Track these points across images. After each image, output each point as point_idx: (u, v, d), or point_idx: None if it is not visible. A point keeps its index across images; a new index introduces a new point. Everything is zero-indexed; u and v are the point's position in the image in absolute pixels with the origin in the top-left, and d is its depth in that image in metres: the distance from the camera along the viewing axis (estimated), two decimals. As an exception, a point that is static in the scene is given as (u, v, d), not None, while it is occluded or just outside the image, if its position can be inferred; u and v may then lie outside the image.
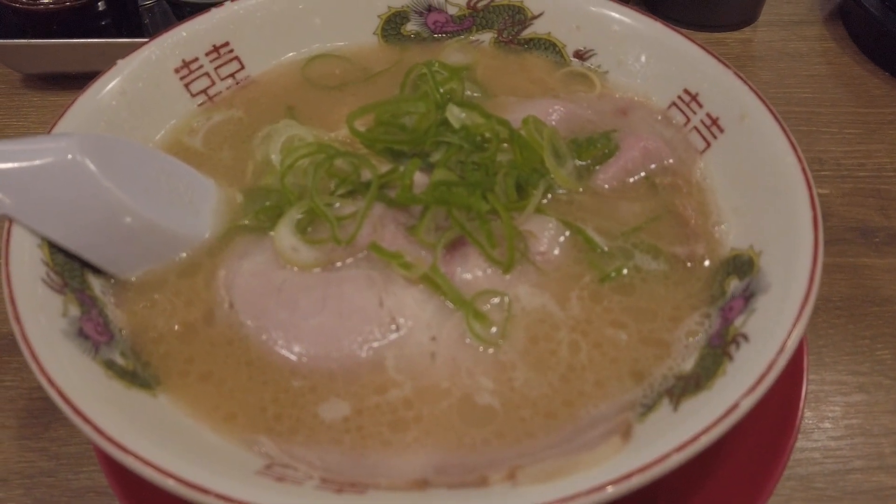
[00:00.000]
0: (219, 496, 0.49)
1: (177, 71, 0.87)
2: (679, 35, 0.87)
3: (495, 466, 0.55)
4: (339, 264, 0.71)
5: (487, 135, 0.78)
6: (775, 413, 0.71)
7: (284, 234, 0.71)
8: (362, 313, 0.67)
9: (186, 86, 0.88)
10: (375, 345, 0.65)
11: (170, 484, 0.49)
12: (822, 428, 0.85)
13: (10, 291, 0.61)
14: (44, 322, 0.60)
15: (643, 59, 0.89)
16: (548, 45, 0.96)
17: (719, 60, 0.83)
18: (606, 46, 0.93)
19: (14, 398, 0.87)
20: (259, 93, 0.91)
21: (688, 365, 0.63)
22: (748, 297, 0.65)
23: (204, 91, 0.89)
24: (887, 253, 1.03)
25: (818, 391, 0.89)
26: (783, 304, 0.60)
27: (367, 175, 0.76)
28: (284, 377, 0.64)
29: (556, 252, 0.72)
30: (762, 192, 0.73)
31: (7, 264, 0.63)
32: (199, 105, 0.88)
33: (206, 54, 0.89)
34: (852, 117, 1.24)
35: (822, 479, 0.81)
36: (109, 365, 0.61)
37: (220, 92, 0.90)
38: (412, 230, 0.72)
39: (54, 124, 0.75)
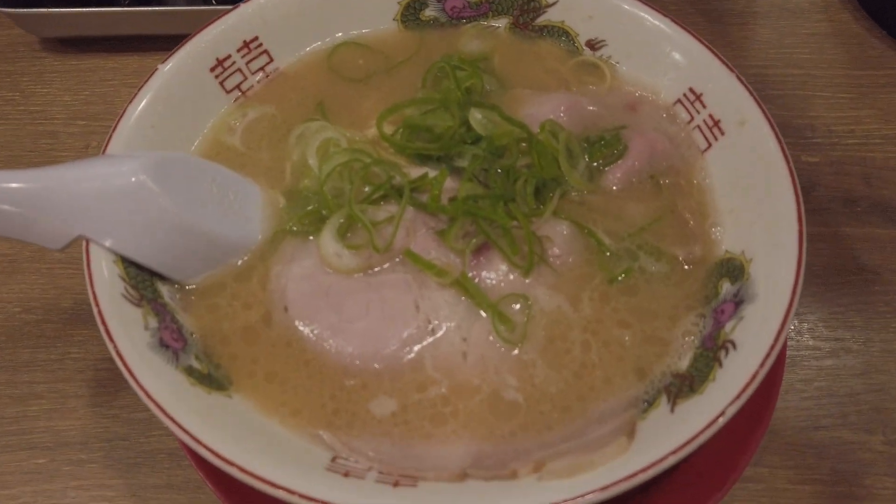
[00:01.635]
0: (303, 496, 0.61)
1: (212, 70, 0.92)
2: (687, 33, 0.92)
3: (522, 459, 0.67)
4: (377, 269, 0.80)
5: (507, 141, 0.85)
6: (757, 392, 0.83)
7: (328, 241, 0.80)
8: (402, 317, 0.77)
9: (221, 83, 0.93)
10: (415, 347, 0.75)
11: (264, 488, 0.61)
12: (795, 389, 0.98)
13: (100, 311, 0.70)
14: (132, 338, 0.69)
15: (652, 53, 0.94)
16: (561, 33, 1.00)
17: (724, 63, 0.88)
18: (617, 38, 0.97)
19: (82, 369, 0.98)
20: (288, 87, 0.96)
21: (683, 363, 0.74)
22: (738, 303, 0.75)
23: (237, 87, 0.94)
24: (867, 222, 1.13)
25: (795, 356, 1.00)
26: (767, 318, 0.70)
27: (398, 179, 0.83)
28: (338, 376, 0.74)
29: (570, 254, 0.81)
30: (755, 200, 0.81)
31: (92, 285, 0.71)
32: (235, 101, 0.94)
33: (238, 50, 0.94)
34: (846, 80, 1.29)
35: (792, 435, 0.94)
36: (190, 371, 0.71)
37: (252, 86, 0.96)
38: (442, 235, 0.81)
39: (109, 137, 0.82)
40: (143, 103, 0.85)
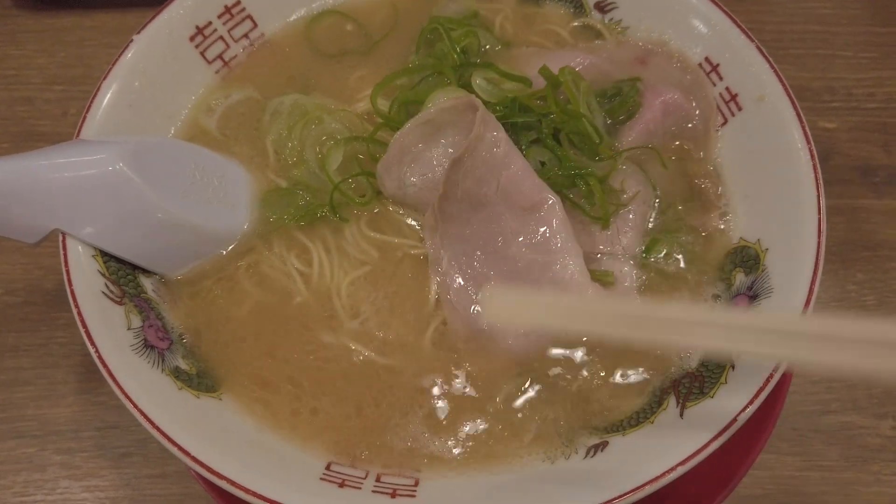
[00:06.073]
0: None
1: (191, 39, 0.86)
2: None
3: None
4: None
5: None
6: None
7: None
8: None
9: (202, 53, 0.87)
10: None
11: (256, 502, 0.58)
12: (805, 373, 0.95)
13: (79, 311, 0.66)
14: (115, 340, 0.66)
15: (667, 19, 0.88)
16: (568, -6, 0.93)
17: (744, 31, 0.82)
18: (630, 1, 0.90)
19: (69, 354, 0.95)
20: (273, 60, 0.90)
21: (693, 362, 0.71)
22: (752, 297, 0.71)
23: (220, 56, 0.88)
24: (885, 193, 1.08)
25: (805, 336, 0.97)
26: (784, 317, 0.67)
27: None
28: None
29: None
30: (773, 184, 0.76)
31: (70, 283, 0.67)
32: (217, 73, 0.88)
33: (219, 16, 0.87)
34: (868, 38, 1.22)
35: (801, 421, 0.92)
36: (177, 374, 0.68)
37: (237, 55, 0.89)
38: None
39: (83, 119, 0.76)
40: (118, 79, 0.79)
